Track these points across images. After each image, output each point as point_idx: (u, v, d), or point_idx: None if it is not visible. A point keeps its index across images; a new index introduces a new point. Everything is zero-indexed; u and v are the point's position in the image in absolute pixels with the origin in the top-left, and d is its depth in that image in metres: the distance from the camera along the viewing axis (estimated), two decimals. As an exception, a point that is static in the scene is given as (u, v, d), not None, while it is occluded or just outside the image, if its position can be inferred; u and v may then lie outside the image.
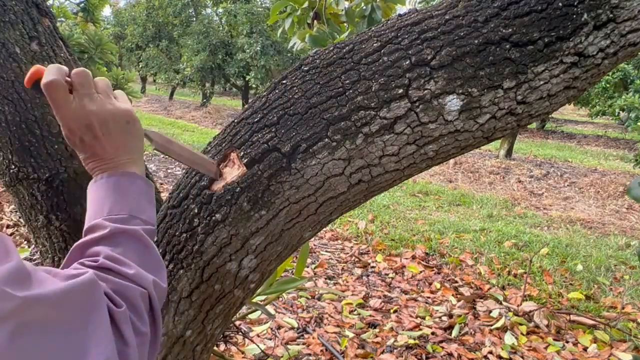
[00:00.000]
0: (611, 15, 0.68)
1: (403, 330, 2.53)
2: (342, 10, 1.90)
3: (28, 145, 1.19)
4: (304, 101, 0.78)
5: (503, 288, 3.11)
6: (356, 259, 3.55)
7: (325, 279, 3.18)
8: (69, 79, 0.61)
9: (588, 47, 0.70)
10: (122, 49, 17.30)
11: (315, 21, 1.94)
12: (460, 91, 0.73)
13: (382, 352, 2.31)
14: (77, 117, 0.61)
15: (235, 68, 13.38)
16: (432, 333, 2.50)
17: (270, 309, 2.58)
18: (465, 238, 4.02)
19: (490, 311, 2.75)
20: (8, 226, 3.38)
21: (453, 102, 0.73)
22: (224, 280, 0.86)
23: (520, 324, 2.60)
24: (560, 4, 0.70)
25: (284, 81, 0.83)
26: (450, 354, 2.32)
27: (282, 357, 2.19)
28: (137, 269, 0.56)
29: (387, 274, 3.30)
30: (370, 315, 2.70)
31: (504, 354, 2.32)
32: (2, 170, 1.23)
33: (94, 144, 0.63)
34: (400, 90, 0.74)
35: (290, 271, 2.81)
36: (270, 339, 2.36)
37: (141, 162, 0.67)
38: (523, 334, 2.52)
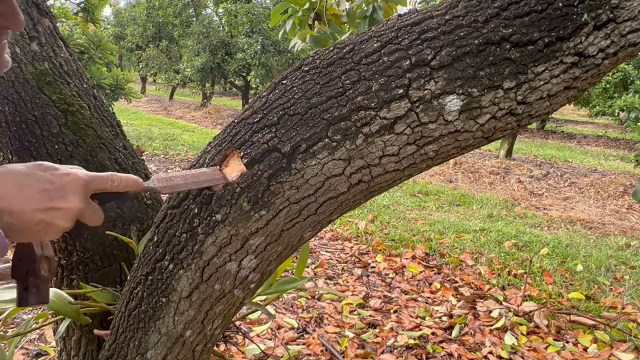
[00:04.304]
0: (611, 16, 0.68)
1: (403, 330, 2.53)
2: (343, 11, 1.90)
3: (28, 145, 1.18)
4: (304, 101, 0.78)
5: (503, 288, 3.11)
6: (356, 259, 3.55)
7: (325, 279, 3.18)
8: None
9: (588, 47, 0.70)
10: (122, 49, 17.31)
11: (316, 22, 1.94)
12: (461, 91, 0.73)
13: (382, 352, 2.31)
14: None
15: (235, 66, 13.38)
16: (432, 333, 2.50)
17: (270, 309, 2.57)
18: (465, 238, 4.02)
19: (491, 311, 2.75)
20: (8, 226, 3.37)
21: (453, 103, 0.73)
22: (224, 281, 0.86)
23: (521, 324, 2.60)
24: (560, 4, 0.70)
25: (284, 81, 0.83)
26: (450, 354, 2.32)
27: (282, 357, 2.19)
28: None
29: (387, 274, 3.30)
30: (370, 316, 2.70)
31: (504, 354, 2.32)
32: (2, 170, 1.23)
33: None
34: (401, 91, 0.74)
35: (290, 271, 2.81)
36: (270, 339, 2.36)
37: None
38: (523, 334, 2.52)
